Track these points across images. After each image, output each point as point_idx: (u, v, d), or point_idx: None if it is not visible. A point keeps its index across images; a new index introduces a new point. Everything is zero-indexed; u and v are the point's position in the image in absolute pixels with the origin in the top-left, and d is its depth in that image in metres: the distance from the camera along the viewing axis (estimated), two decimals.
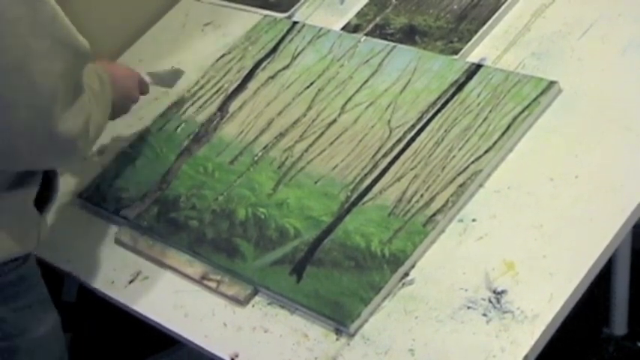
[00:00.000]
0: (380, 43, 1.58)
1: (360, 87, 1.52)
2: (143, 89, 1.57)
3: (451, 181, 1.31)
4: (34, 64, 1.14)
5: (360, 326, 1.21)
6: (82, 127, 1.22)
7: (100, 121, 1.33)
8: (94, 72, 1.36)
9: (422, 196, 1.30)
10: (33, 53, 1.14)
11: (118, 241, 1.49)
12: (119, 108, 1.48)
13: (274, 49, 1.67)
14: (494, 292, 1.17)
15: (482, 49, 1.51)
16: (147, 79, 1.58)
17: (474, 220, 1.27)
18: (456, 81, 1.45)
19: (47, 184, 1.34)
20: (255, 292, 1.32)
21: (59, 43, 1.17)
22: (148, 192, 1.51)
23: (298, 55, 1.64)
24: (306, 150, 1.46)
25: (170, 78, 1.63)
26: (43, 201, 1.33)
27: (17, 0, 1.13)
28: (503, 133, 1.34)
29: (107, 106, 1.38)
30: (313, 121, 1.51)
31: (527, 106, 1.35)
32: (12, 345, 1.29)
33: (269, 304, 1.30)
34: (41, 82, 1.15)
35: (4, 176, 1.25)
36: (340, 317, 1.22)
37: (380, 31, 1.61)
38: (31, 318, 1.31)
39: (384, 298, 1.23)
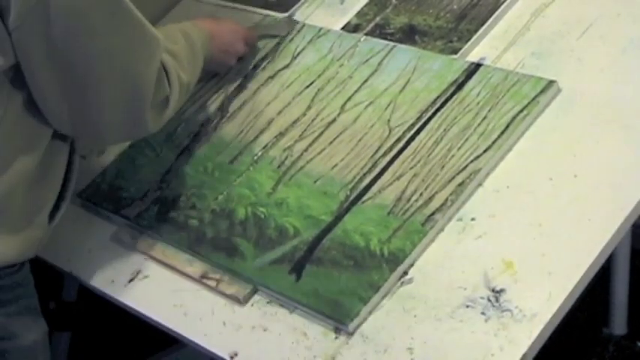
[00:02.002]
0: (380, 43, 1.58)
1: (360, 86, 1.52)
2: (249, 40, 1.64)
3: (450, 180, 1.31)
4: (131, 66, 1.25)
5: (359, 325, 1.21)
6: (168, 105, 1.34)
7: (188, 79, 1.41)
8: (178, 31, 1.44)
9: (421, 195, 1.31)
10: (132, 58, 1.25)
11: (118, 241, 1.49)
12: (219, 61, 1.59)
13: (274, 49, 1.68)
14: (493, 290, 1.17)
15: (482, 48, 1.51)
16: (254, 31, 1.65)
17: (472, 219, 1.27)
18: (455, 80, 1.45)
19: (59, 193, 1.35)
20: (255, 291, 1.32)
21: (142, 40, 1.27)
22: (148, 191, 1.52)
23: (298, 54, 1.64)
24: (306, 149, 1.46)
25: (280, 27, 1.66)
26: (52, 210, 1.34)
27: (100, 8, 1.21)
28: (503, 133, 1.34)
29: (196, 63, 1.46)
30: (313, 120, 1.51)
31: (527, 106, 1.35)
32: (0, 348, 1.28)
33: (268, 303, 1.30)
34: (137, 83, 1.27)
35: (25, 176, 1.26)
36: (339, 316, 1.22)
37: (380, 31, 1.61)
38: (21, 325, 1.30)
39: (383, 297, 1.23)
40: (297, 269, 1.29)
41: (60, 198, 1.35)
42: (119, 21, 1.23)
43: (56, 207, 1.35)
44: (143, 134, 1.38)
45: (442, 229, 1.27)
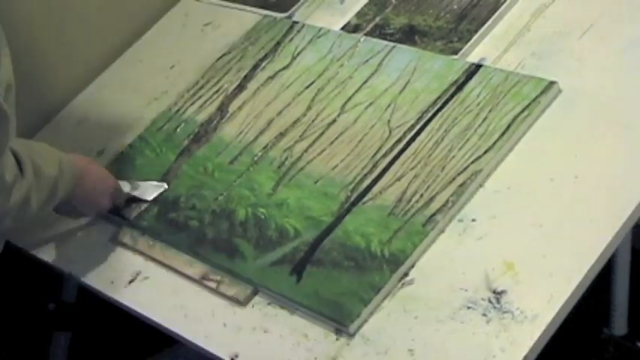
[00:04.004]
0: (380, 43, 1.58)
1: (360, 87, 1.52)
2: (117, 197, 1.48)
3: (451, 181, 1.31)
4: None
5: (360, 326, 1.21)
6: (9, 207, 1.21)
7: (38, 206, 1.28)
8: (56, 159, 1.32)
9: (422, 196, 1.30)
10: None
11: (118, 241, 1.49)
12: (80, 205, 1.42)
13: (274, 49, 1.68)
14: (494, 292, 1.17)
15: (482, 49, 1.51)
16: (126, 187, 1.50)
17: (473, 220, 1.27)
18: (455, 81, 1.45)
19: None
20: (255, 293, 1.32)
21: None
22: None
23: (298, 55, 1.64)
24: (306, 150, 1.46)
25: (151, 190, 1.52)
26: None
27: None
28: (503, 133, 1.33)
29: (58, 195, 1.32)
30: (313, 121, 1.51)
31: (527, 106, 1.35)
32: None
33: (269, 304, 1.30)
34: None
35: None
36: (340, 317, 1.22)
37: (380, 31, 1.61)
38: None
39: (384, 298, 1.23)
40: (298, 270, 1.29)
41: None
42: None
43: None
44: None
45: (443, 230, 1.27)
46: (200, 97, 1.66)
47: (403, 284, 1.24)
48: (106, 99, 1.81)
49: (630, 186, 1.22)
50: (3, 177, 1.19)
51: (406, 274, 1.24)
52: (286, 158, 1.46)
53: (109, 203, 1.46)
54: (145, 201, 1.50)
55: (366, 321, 1.21)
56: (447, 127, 1.38)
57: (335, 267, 1.27)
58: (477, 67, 1.45)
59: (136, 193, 1.51)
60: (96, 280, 1.46)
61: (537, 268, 1.18)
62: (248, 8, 1.82)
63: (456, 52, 1.50)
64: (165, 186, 1.51)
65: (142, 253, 1.45)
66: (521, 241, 1.22)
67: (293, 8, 1.76)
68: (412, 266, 1.25)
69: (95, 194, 1.43)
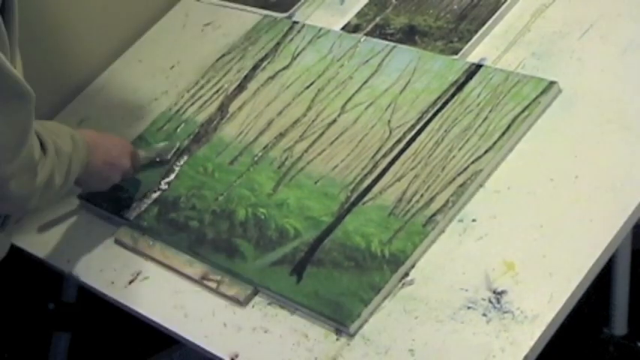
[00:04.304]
0: (380, 43, 1.58)
1: (360, 87, 1.52)
2: (134, 158, 1.50)
3: (451, 181, 1.31)
4: None
5: (360, 326, 1.21)
6: (36, 187, 1.22)
7: (61, 184, 1.29)
8: (68, 134, 1.33)
9: (422, 196, 1.30)
10: None
11: (118, 242, 1.49)
12: (101, 174, 1.44)
13: (274, 49, 1.68)
14: (494, 292, 1.17)
15: (482, 49, 1.51)
16: (141, 152, 1.53)
17: (473, 221, 1.27)
18: (456, 81, 1.45)
19: None
20: (255, 293, 1.32)
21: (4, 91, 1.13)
22: (147, 192, 1.51)
23: (298, 55, 1.64)
24: (306, 150, 1.46)
25: (164, 151, 1.56)
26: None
27: None
28: (503, 133, 1.33)
29: (74, 170, 1.33)
30: (313, 121, 1.51)
31: (527, 107, 1.35)
32: None
33: (269, 304, 1.30)
34: None
35: None
36: (340, 317, 1.22)
37: (380, 31, 1.61)
38: None
39: (384, 299, 1.23)
40: (298, 270, 1.29)
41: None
42: None
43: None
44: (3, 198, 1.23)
45: (443, 231, 1.27)
46: (200, 98, 1.66)
47: (403, 284, 1.24)
48: (106, 99, 1.81)
49: (630, 186, 1.22)
50: (32, 157, 1.21)
51: (406, 275, 1.24)
52: (286, 158, 1.46)
53: (128, 163, 1.47)
54: (167, 161, 1.55)
55: (366, 321, 1.21)
56: (447, 127, 1.38)
57: (335, 267, 1.27)
58: (477, 67, 1.45)
59: (153, 156, 1.55)
60: (96, 280, 1.46)
61: (537, 268, 1.18)
62: (248, 8, 1.82)
63: (456, 52, 1.50)
64: (175, 144, 1.57)
65: (142, 253, 1.45)
66: (521, 241, 1.21)
67: (293, 8, 1.76)
68: (412, 266, 1.25)
69: (112, 158, 1.45)
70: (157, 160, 1.56)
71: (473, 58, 1.49)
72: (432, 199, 1.29)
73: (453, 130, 1.38)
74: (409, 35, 1.58)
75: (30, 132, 1.20)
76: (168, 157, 1.55)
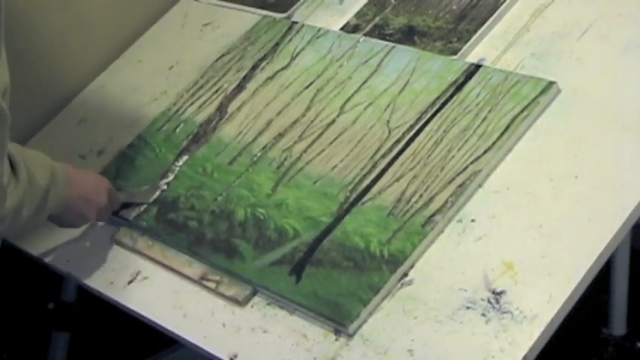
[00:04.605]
0: (379, 44, 1.58)
1: (359, 87, 1.52)
2: (113, 199, 1.45)
3: (450, 182, 1.31)
4: None
5: (359, 327, 1.21)
6: (6, 211, 1.18)
7: (29, 216, 1.25)
8: (49, 168, 1.29)
9: (421, 196, 1.30)
10: None
11: (118, 242, 1.49)
12: (76, 210, 1.38)
13: (273, 50, 1.67)
14: (494, 292, 1.17)
15: (482, 49, 1.51)
16: (121, 195, 1.49)
17: (473, 221, 1.27)
18: (455, 81, 1.45)
19: None
20: (255, 293, 1.32)
21: None
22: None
23: (297, 55, 1.64)
24: (305, 150, 1.46)
25: (145, 194, 1.51)
26: None
27: None
28: (503, 134, 1.33)
29: (50, 205, 1.30)
30: (312, 121, 1.51)
31: (527, 107, 1.35)
32: None
33: (268, 304, 1.30)
34: None
35: None
36: (339, 318, 1.22)
37: (379, 32, 1.61)
38: None
39: (383, 299, 1.23)
40: (297, 271, 1.29)
41: None
42: None
43: None
44: None
45: (442, 231, 1.27)
46: (199, 98, 1.66)
47: (402, 284, 1.24)
48: (105, 99, 1.81)
49: (630, 186, 1.22)
50: (1, 179, 1.17)
51: (405, 275, 1.24)
52: (285, 158, 1.46)
53: (105, 200, 1.42)
54: (144, 203, 1.50)
55: (365, 321, 1.21)
56: (446, 127, 1.38)
57: (334, 267, 1.27)
58: (477, 67, 1.45)
59: (132, 200, 1.50)
60: (95, 280, 1.46)
61: (537, 268, 1.18)
62: (247, 8, 1.82)
63: (455, 53, 1.50)
64: (160, 187, 1.51)
65: (141, 254, 1.45)
66: (520, 241, 1.21)
67: (292, 8, 1.76)
68: (411, 266, 1.25)
69: (88, 193, 1.39)
70: (138, 202, 1.51)
71: (472, 58, 1.49)
72: (431, 200, 1.29)
73: (452, 131, 1.37)
74: (408, 35, 1.58)
75: (2, 154, 1.16)
76: (150, 200, 1.50)
